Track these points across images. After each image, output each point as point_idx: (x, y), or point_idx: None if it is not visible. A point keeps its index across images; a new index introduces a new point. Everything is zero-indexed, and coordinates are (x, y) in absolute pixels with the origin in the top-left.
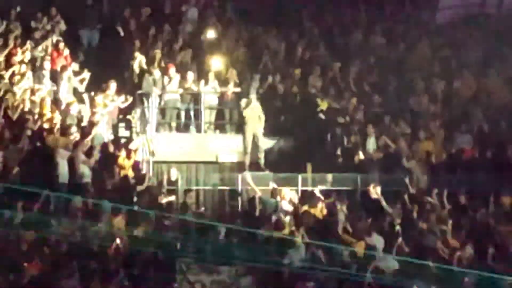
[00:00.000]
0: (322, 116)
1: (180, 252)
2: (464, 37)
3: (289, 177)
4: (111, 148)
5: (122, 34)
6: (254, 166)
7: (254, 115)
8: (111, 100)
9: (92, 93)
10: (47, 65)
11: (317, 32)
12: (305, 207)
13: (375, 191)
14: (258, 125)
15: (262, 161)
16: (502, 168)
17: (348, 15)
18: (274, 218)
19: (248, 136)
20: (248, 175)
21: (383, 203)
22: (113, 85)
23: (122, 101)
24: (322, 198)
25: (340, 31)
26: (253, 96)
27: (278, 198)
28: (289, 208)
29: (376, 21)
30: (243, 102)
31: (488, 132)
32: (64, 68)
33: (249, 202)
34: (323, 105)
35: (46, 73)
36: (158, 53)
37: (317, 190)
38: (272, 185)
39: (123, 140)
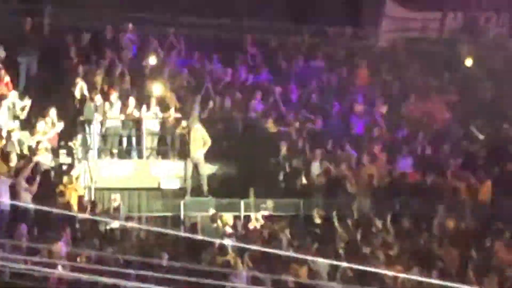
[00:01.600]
0: (265, 140)
1: (122, 277)
2: (406, 61)
3: (231, 203)
4: (53, 175)
5: (63, 60)
6: (196, 191)
7: (197, 139)
8: (51, 126)
9: (33, 120)
10: None
11: (259, 56)
12: (248, 233)
13: (319, 216)
14: (200, 150)
15: (205, 187)
16: (445, 192)
17: (291, 40)
18: (217, 243)
19: (189, 161)
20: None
21: (336, 223)
22: (52, 112)
23: (62, 127)
24: (265, 223)
25: (283, 56)
26: (195, 119)
27: (220, 224)
28: (232, 233)
29: (318, 45)
30: (185, 125)
31: (430, 156)
32: (3, 96)
33: (191, 228)
34: (271, 127)
35: None
36: (99, 79)
37: (260, 216)
38: (212, 210)
39: (65, 167)
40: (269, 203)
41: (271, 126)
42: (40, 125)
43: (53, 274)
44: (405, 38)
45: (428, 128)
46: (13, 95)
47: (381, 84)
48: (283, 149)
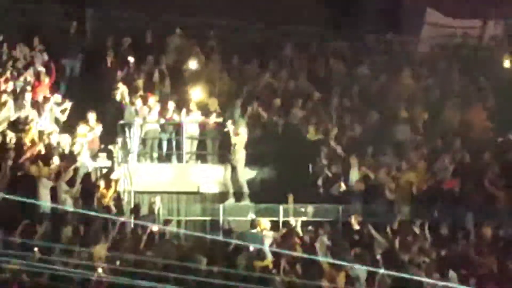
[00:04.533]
0: (304, 146)
1: (160, 280)
2: (446, 67)
3: (270, 208)
4: (93, 178)
5: (104, 64)
6: (236, 196)
7: (241, 142)
8: (90, 130)
9: (74, 123)
10: (28, 95)
11: (299, 62)
12: (287, 238)
13: (357, 222)
14: (242, 153)
15: (245, 191)
16: (483, 199)
17: (331, 45)
18: (254, 249)
19: (239, 165)
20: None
21: (373, 231)
22: (91, 116)
23: (100, 131)
24: (303, 229)
25: (323, 62)
26: (242, 123)
27: (259, 229)
28: (270, 239)
29: (358, 51)
30: (231, 128)
31: (469, 163)
32: (46, 98)
33: (229, 233)
34: (312, 135)
35: (28, 103)
36: (140, 83)
37: (299, 221)
38: (251, 215)
39: (104, 170)
40: (308, 208)
41: (311, 133)
42: (81, 128)
43: (93, 277)
44: (445, 44)
45: (466, 135)
46: (55, 98)
47: (421, 90)
48: (323, 155)
